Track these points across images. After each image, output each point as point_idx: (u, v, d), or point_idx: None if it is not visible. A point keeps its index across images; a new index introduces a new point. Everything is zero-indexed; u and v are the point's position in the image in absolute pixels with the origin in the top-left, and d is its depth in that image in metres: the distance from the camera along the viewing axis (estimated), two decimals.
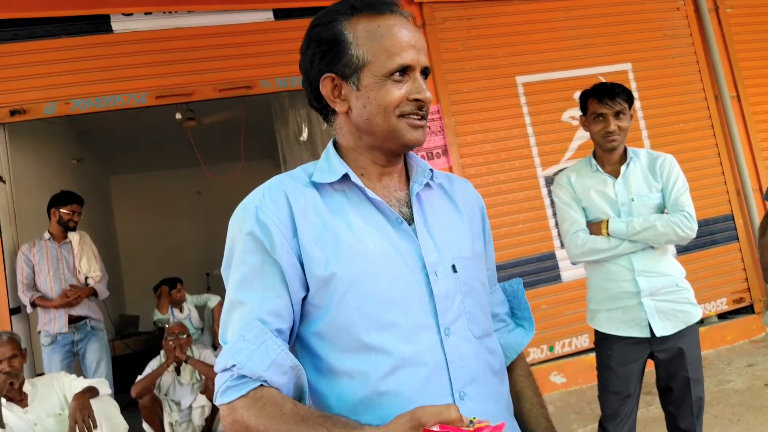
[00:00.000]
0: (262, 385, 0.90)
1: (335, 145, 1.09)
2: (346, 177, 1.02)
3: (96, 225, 7.17)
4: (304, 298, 0.98)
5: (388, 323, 0.95)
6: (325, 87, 1.03)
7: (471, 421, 0.75)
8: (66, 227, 4.12)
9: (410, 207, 1.06)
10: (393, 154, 1.05)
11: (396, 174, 1.08)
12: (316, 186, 1.02)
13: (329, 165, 1.05)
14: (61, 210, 4.09)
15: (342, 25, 1.00)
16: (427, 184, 1.09)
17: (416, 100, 1.00)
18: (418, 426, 0.76)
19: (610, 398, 2.32)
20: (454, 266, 1.03)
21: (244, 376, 0.90)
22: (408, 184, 1.09)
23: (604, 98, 2.30)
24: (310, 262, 0.96)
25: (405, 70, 0.99)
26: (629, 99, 2.32)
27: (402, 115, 1.00)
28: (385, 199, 1.03)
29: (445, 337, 0.97)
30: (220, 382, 0.92)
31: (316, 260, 0.96)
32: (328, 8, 1.03)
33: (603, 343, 2.36)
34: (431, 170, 1.10)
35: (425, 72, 1.03)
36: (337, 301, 0.95)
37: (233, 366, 0.90)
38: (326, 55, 1.01)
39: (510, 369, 1.19)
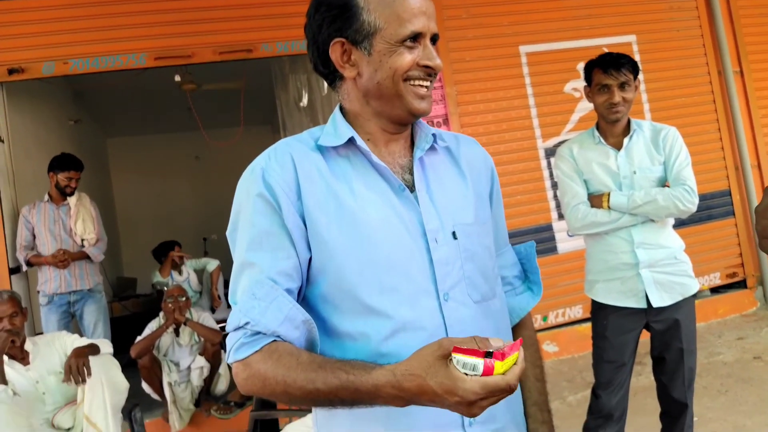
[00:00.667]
0: (275, 340, 0.92)
1: (342, 110, 1.09)
2: (351, 141, 1.02)
3: (93, 187, 7.14)
4: (310, 260, 0.99)
5: (389, 288, 0.97)
6: (335, 52, 1.03)
7: (489, 352, 0.77)
8: (63, 192, 4.10)
9: (413, 174, 1.06)
10: (400, 121, 1.05)
11: (402, 140, 1.09)
12: (321, 150, 1.03)
13: (335, 129, 1.05)
14: (59, 176, 4.05)
15: None
16: (432, 148, 1.09)
17: (426, 66, 1.00)
18: (447, 354, 0.78)
19: (604, 367, 2.36)
20: (454, 233, 1.04)
21: (257, 333, 0.92)
22: (413, 150, 1.09)
23: (609, 69, 2.28)
24: (313, 226, 0.98)
25: (416, 37, 0.99)
26: (635, 70, 2.30)
27: (408, 79, 1.01)
28: (389, 165, 1.04)
29: (444, 302, 1.00)
30: (233, 340, 0.94)
31: (319, 225, 0.98)
32: None
33: (599, 312, 2.39)
34: (434, 135, 1.10)
35: (434, 39, 1.03)
36: (339, 265, 0.97)
37: (247, 323, 0.92)
38: (336, 20, 1.01)
39: (515, 330, 1.21)
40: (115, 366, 2.81)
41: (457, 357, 0.77)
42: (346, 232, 0.97)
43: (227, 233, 1.04)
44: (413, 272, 0.99)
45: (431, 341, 0.89)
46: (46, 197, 4.11)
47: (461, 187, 1.10)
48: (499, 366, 0.76)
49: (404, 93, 1.01)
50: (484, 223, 1.12)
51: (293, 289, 0.97)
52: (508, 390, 0.76)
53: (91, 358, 2.73)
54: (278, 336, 0.93)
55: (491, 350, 0.77)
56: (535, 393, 1.18)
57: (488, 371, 0.75)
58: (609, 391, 2.34)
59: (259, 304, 0.93)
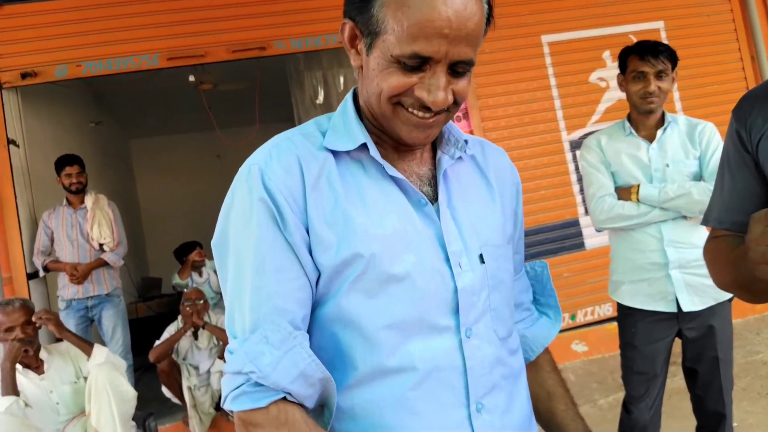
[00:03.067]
0: (285, 397, 0.78)
1: (355, 99, 0.91)
2: (364, 146, 0.86)
3: (117, 189, 7.20)
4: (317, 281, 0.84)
5: (398, 321, 0.81)
6: (344, 32, 0.86)
7: None
8: (70, 191, 4.07)
9: (433, 185, 0.90)
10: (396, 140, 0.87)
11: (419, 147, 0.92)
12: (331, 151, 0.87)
13: (346, 127, 0.88)
14: (61, 176, 4.04)
15: None
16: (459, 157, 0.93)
17: (419, 97, 0.80)
18: None
19: (634, 379, 2.21)
20: (481, 256, 0.88)
21: (262, 384, 0.77)
22: (433, 156, 0.93)
23: (646, 55, 2.13)
24: (318, 244, 0.82)
25: (425, 60, 0.78)
26: (673, 59, 2.15)
27: (400, 104, 0.82)
28: (405, 174, 0.87)
29: (466, 339, 0.84)
30: (231, 385, 0.79)
31: (325, 242, 0.82)
32: None
33: (627, 319, 2.23)
34: (466, 141, 0.93)
35: (459, 66, 0.80)
36: (345, 290, 0.82)
37: (251, 372, 0.77)
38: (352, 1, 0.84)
39: (536, 364, 1.07)
40: (121, 375, 2.75)
41: None
42: (357, 251, 0.81)
43: (212, 243, 0.87)
44: (431, 302, 0.83)
45: (446, 386, 0.77)
46: (65, 201, 4.10)
47: (489, 201, 0.95)
48: None
49: (393, 117, 0.83)
50: (509, 244, 0.97)
51: (307, 315, 0.83)
52: None
53: (94, 368, 2.67)
54: (289, 393, 0.78)
55: None
56: (567, 399, 1.05)
57: None
58: (641, 406, 2.19)
59: (270, 353, 0.77)
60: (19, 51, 3.69)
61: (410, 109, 0.82)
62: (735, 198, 1.08)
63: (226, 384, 0.81)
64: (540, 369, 1.07)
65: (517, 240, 1.04)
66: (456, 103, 0.83)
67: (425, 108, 0.81)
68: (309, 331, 0.84)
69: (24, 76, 3.63)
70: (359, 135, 0.86)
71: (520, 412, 0.92)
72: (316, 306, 0.84)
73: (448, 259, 0.85)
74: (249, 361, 0.77)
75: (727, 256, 1.04)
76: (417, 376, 0.81)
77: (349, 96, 0.92)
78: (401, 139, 0.85)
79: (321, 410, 0.85)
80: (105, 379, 2.61)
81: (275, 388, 0.77)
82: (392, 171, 0.86)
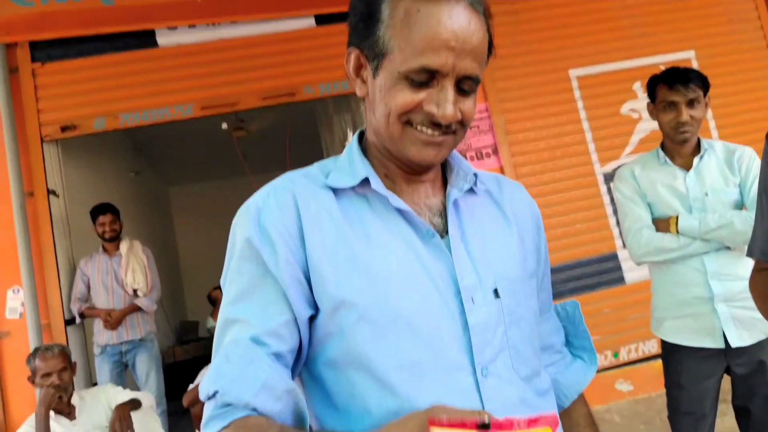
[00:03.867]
0: (249, 414, 0.76)
1: (361, 138, 0.94)
2: (367, 181, 0.86)
3: (156, 236, 7.36)
4: (312, 319, 0.83)
5: (411, 361, 0.78)
6: (349, 61, 0.88)
7: (485, 424, 0.60)
8: (104, 239, 4.20)
9: (444, 217, 0.89)
10: (408, 165, 0.87)
11: (430, 178, 0.92)
12: (334, 188, 0.87)
13: (350, 164, 0.89)
14: (96, 224, 4.20)
15: (385, 2, 0.82)
16: (470, 190, 0.92)
17: (429, 112, 0.80)
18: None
19: (682, 420, 2.10)
20: (496, 290, 0.85)
21: (229, 404, 0.75)
22: (444, 188, 0.92)
23: (675, 84, 2.07)
24: (319, 281, 0.81)
25: (433, 74, 0.79)
26: (704, 85, 2.09)
27: (410, 123, 0.82)
28: (413, 207, 0.86)
29: (483, 379, 0.80)
30: (205, 414, 0.78)
31: (326, 279, 0.80)
32: None
33: (672, 357, 2.13)
34: (476, 174, 0.93)
35: (467, 82, 0.81)
36: (349, 330, 0.79)
37: (215, 393, 0.76)
38: (357, 26, 0.86)
39: (568, 416, 1.01)
40: (155, 420, 2.77)
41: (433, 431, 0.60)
42: (360, 287, 0.80)
43: (220, 282, 0.88)
44: (442, 341, 0.80)
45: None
46: (101, 249, 4.22)
47: (505, 233, 0.93)
48: None
49: (401, 137, 0.83)
50: (531, 279, 0.93)
51: (284, 352, 0.80)
52: None
53: (132, 413, 2.69)
54: (254, 409, 0.75)
55: (487, 422, 0.59)
56: None
57: None
58: None
59: (230, 369, 0.76)
60: (59, 106, 3.84)
61: (419, 127, 0.82)
62: None
63: (204, 413, 0.79)
64: (574, 423, 1.01)
65: (542, 277, 1.00)
66: (462, 125, 0.84)
67: (434, 125, 0.81)
68: (322, 377, 0.82)
69: (64, 129, 3.78)
70: (361, 170, 0.87)
71: None
72: (326, 348, 0.82)
73: (459, 294, 0.82)
74: (213, 381, 0.76)
75: None
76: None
77: (354, 136, 0.94)
78: (411, 160, 0.85)
79: None
80: (139, 422, 2.63)
81: (240, 405, 0.75)
82: (396, 202, 0.84)
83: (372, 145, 0.91)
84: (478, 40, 0.80)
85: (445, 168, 0.95)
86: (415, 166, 0.87)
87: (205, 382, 0.78)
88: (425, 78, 0.79)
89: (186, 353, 6.69)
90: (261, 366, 0.76)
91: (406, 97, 0.80)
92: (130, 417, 2.65)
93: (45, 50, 3.88)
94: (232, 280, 0.83)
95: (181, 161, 7.95)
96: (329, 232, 0.83)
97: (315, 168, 0.92)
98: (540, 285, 0.99)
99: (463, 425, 0.59)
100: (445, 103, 0.79)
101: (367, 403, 0.79)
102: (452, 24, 0.78)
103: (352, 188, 0.87)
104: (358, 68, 0.87)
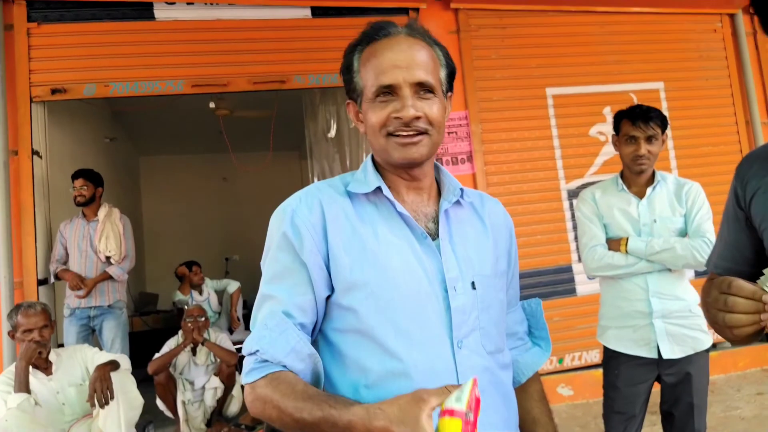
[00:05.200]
0: (282, 369, 0.98)
1: (374, 159, 1.17)
2: (379, 190, 1.08)
3: (123, 203, 7.32)
4: (328, 297, 1.05)
5: (404, 331, 1.00)
6: (349, 111, 1.14)
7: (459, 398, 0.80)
8: (76, 203, 4.21)
9: (437, 223, 1.11)
10: (402, 171, 1.10)
11: (426, 190, 1.14)
12: (350, 196, 1.09)
13: (365, 177, 1.11)
14: (72, 189, 4.20)
15: (355, 55, 1.09)
16: (458, 202, 1.14)
17: (397, 118, 1.03)
18: (419, 401, 0.82)
19: (614, 418, 2.35)
20: (473, 283, 1.07)
21: (266, 360, 0.98)
22: (439, 200, 1.15)
23: (637, 121, 2.30)
24: (337, 266, 1.03)
25: (392, 90, 1.03)
26: (663, 124, 2.33)
27: (391, 134, 1.05)
28: (413, 214, 1.09)
29: (458, 350, 1.02)
30: (246, 364, 1.01)
31: (342, 264, 1.02)
32: (354, 40, 1.11)
33: (611, 361, 2.38)
34: (461, 189, 1.15)
35: (424, 85, 1.04)
36: (358, 305, 1.01)
37: (257, 351, 0.99)
38: (345, 80, 1.12)
39: (524, 390, 1.24)
40: (131, 382, 2.88)
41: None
42: (368, 273, 1.02)
43: (261, 263, 1.11)
44: (429, 318, 1.02)
45: (440, 386, 0.94)
46: (80, 213, 4.24)
47: (483, 240, 1.15)
48: None
49: (386, 147, 1.06)
50: (501, 277, 1.17)
51: (306, 323, 1.03)
52: None
53: (110, 374, 2.80)
54: (284, 366, 0.98)
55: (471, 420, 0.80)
56: (549, 427, 1.21)
57: None
58: None
59: (269, 334, 0.99)
60: (51, 68, 3.87)
61: (396, 133, 1.05)
62: (728, 248, 1.24)
63: (244, 365, 1.02)
64: (529, 396, 1.24)
65: (512, 277, 1.24)
66: (432, 125, 1.05)
67: (405, 126, 1.03)
68: (334, 341, 1.05)
69: (54, 91, 3.80)
70: (374, 181, 1.09)
71: (510, 415, 1.10)
72: (338, 318, 1.05)
73: (444, 283, 1.04)
74: (255, 342, 1.00)
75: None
76: (419, 376, 0.99)
77: (368, 157, 1.17)
78: (398, 162, 1.07)
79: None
80: (117, 383, 2.72)
81: (275, 362, 0.98)
82: (400, 208, 1.07)
83: (377, 165, 1.14)
84: (423, 56, 1.05)
85: (439, 184, 1.17)
86: (406, 168, 1.09)
87: (249, 341, 1.01)
88: (387, 95, 1.03)
89: (144, 324, 6.69)
90: (291, 334, 0.99)
91: (379, 113, 1.04)
92: (110, 377, 2.77)
93: (42, 11, 3.89)
94: (270, 264, 1.07)
95: (156, 132, 7.90)
96: (346, 230, 1.05)
97: (337, 179, 1.15)
98: (509, 283, 1.23)
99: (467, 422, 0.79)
100: (405, 107, 1.02)
101: (370, 362, 1.01)
102: (398, 49, 1.04)
103: (366, 195, 1.09)
104: (356, 113, 1.12)
